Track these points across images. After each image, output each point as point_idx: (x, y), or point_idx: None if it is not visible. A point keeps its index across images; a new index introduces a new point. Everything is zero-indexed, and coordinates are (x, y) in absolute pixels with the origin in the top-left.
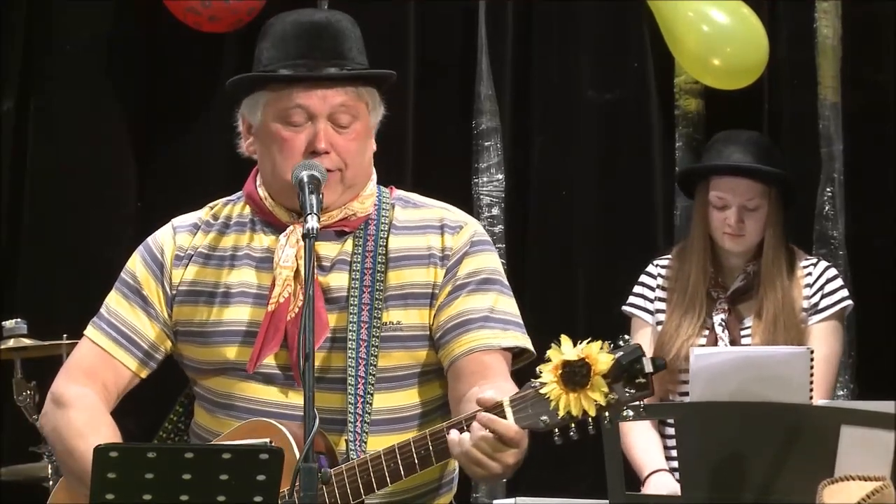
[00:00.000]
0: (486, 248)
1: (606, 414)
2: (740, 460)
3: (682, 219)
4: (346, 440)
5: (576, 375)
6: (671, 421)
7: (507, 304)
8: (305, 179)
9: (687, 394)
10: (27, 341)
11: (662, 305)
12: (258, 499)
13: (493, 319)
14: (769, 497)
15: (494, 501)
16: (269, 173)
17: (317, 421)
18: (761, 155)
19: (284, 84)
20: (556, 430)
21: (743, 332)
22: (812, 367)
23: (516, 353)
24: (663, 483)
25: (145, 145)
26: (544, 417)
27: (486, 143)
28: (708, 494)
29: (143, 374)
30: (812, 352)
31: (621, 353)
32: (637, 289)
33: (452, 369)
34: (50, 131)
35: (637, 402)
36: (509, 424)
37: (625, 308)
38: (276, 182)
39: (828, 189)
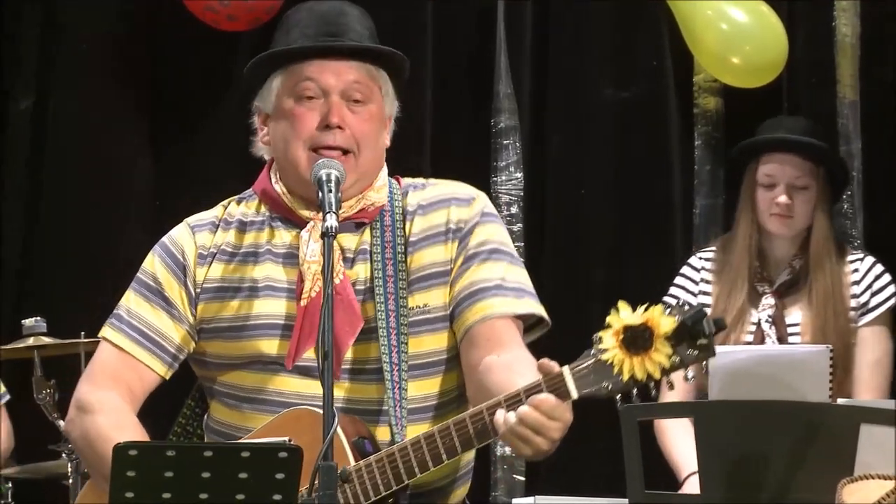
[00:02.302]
0: (496, 220)
1: (669, 377)
2: (759, 459)
3: (702, 217)
4: (389, 426)
5: (638, 339)
6: None
7: (520, 274)
8: (324, 177)
9: (702, 394)
10: (47, 340)
11: (707, 299)
12: (277, 497)
13: (506, 288)
14: (788, 496)
15: (514, 500)
16: (282, 158)
17: (336, 419)
18: (809, 134)
19: (298, 61)
20: (618, 395)
21: (790, 329)
22: (832, 366)
23: (529, 327)
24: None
25: (163, 143)
26: (606, 383)
27: (505, 142)
28: (727, 493)
29: (167, 376)
30: (831, 350)
31: (684, 314)
32: (679, 280)
33: (467, 337)
34: (67, 129)
35: (701, 362)
36: (559, 402)
37: (666, 300)
38: (290, 165)
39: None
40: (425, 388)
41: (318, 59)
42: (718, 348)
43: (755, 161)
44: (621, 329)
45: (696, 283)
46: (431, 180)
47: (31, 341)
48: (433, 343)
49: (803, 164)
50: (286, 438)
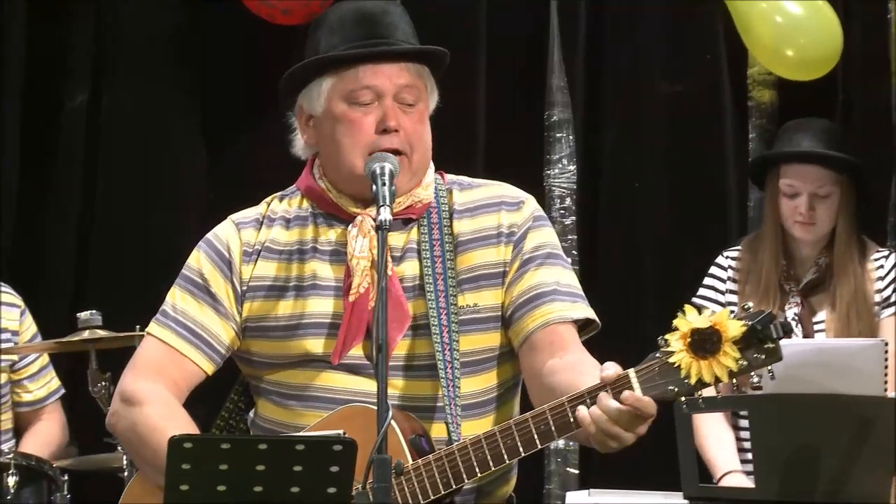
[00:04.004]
0: (546, 223)
1: (735, 381)
2: (814, 453)
3: (756, 210)
4: (445, 423)
5: (706, 343)
6: (744, 414)
7: (571, 278)
8: (378, 171)
9: (760, 387)
10: (102, 333)
11: (734, 298)
12: (332, 490)
13: (561, 292)
14: (843, 491)
15: (567, 493)
16: (334, 160)
17: (389, 413)
18: (831, 142)
19: (350, 66)
20: (684, 398)
21: (816, 327)
22: (886, 360)
23: (580, 326)
24: (737, 485)
25: (216, 138)
26: (672, 386)
27: (558, 135)
28: (781, 487)
29: (211, 371)
30: (886, 344)
31: (753, 318)
32: (707, 280)
33: (528, 343)
34: (121, 125)
35: (766, 367)
36: (650, 401)
37: (695, 300)
38: (344, 168)
39: None
40: (477, 385)
41: (370, 64)
42: None
43: (776, 168)
44: (689, 332)
45: (723, 281)
46: (476, 180)
47: (86, 334)
48: (484, 341)
49: (824, 173)
50: (341, 431)
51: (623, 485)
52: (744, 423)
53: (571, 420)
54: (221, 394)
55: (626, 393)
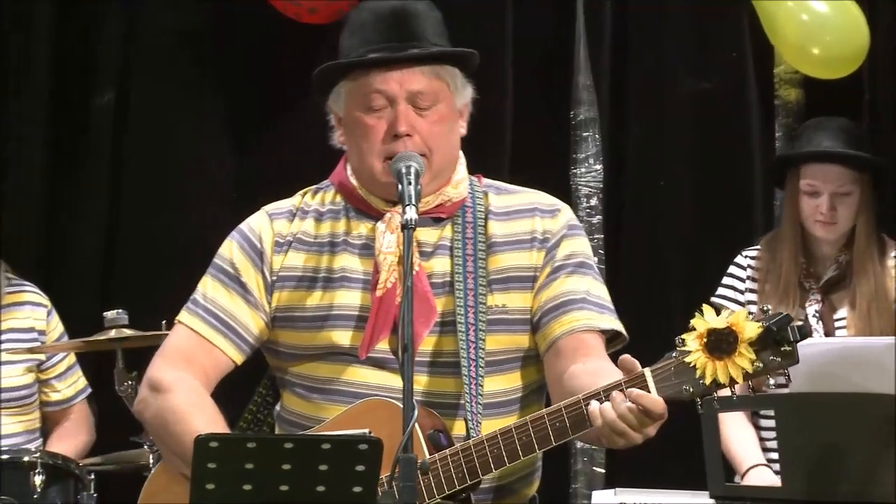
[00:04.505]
0: (580, 232)
1: (750, 382)
2: (840, 452)
3: (782, 209)
4: (465, 421)
5: (722, 343)
6: (765, 413)
7: (601, 289)
8: (404, 170)
9: (782, 385)
10: (128, 331)
11: (753, 297)
12: (357, 489)
13: (590, 302)
14: (869, 489)
15: (593, 492)
16: (356, 162)
17: (415, 412)
18: (851, 141)
19: (363, 71)
20: (699, 399)
21: (837, 324)
22: None
23: (608, 339)
24: (763, 478)
25: (242, 136)
26: (687, 386)
27: (584, 134)
28: (808, 486)
29: (240, 361)
30: None
31: (770, 320)
32: (726, 280)
33: (553, 349)
34: (148, 123)
35: (783, 369)
36: (658, 399)
37: (714, 300)
38: (364, 171)
39: None
40: (500, 384)
41: (381, 69)
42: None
43: (796, 168)
44: (706, 332)
45: (742, 280)
46: (513, 186)
47: (112, 333)
48: (510, 342)
49: (845, 172)
50: (366, 430)
51: (649, 484)
52: (764, 422)
53: (586, 417)
54: (251, 388)
55: (635, 391)
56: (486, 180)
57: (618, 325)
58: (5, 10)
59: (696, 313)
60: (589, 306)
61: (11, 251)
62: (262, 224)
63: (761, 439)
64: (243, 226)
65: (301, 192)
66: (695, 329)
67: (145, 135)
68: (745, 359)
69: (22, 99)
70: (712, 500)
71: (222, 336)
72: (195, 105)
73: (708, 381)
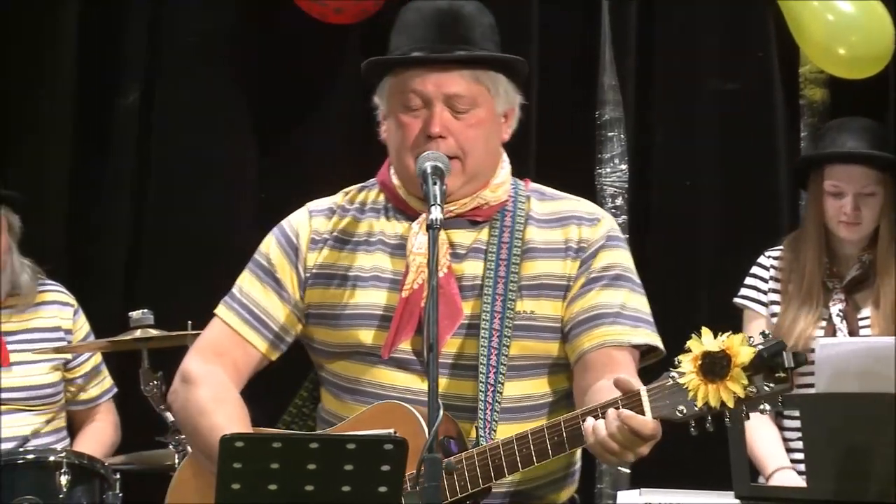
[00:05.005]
0: (621, 244)
1: (745, 407)
2: (866, 452)
3: (806, 209)
4: (476, 427)
5: (716, 366)
6: (788, 414)
7: (639, 302)
8: (429, 170)
9: (805, 385)
10: (154, 332)
11: (776, 297)
12: (383, 489)
13: (625, 316)
14: None
15: (619, 492)
16: (394, 160)
17: (440, 412)
18: (876, 141)
19: (404, 69)
20: (692, 421)
21: (861, 323)
22: None
23: (644, 352)
24: (788, 481)
25: (268, 135)
26: (681, 408)
27: (610, 134)
28: (834, 486)
29: (273, 356)
30: None
31: (763, 345)
32: (749, 280)
33: (581, 362)
34: (173, 122)
35: (776, 397)
36: (646, 421)
37: (736, 300)
38: (400, 168)
39: None
40: (522, 390)
41: (420, 69)
42: (823, 340)
43: (820, 168)
44: (700, 355)
45: (765, 281)
46: (558, 193)
47: (138, 333)
48: (536, 348)
49: (869, 172)
50: (391, 430)
51: (674, 484)
52: (787, 423)
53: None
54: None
55: (625, 412)
56: (532, 185)
57: (652, 340)
58: (32, 13)
59: (693, 335)
60: (623, 320)
61: (37, 251)
62: (301, 221)
63: (785, 440)
64: (284, 222)
65: (346, 189)
66: (690, 351)
67: (170, 135)
68: (737, 383)
69: (48, 99)
70: (738, 501)
71: (254, 330)
72: (220, 105)
73: (699, 403)
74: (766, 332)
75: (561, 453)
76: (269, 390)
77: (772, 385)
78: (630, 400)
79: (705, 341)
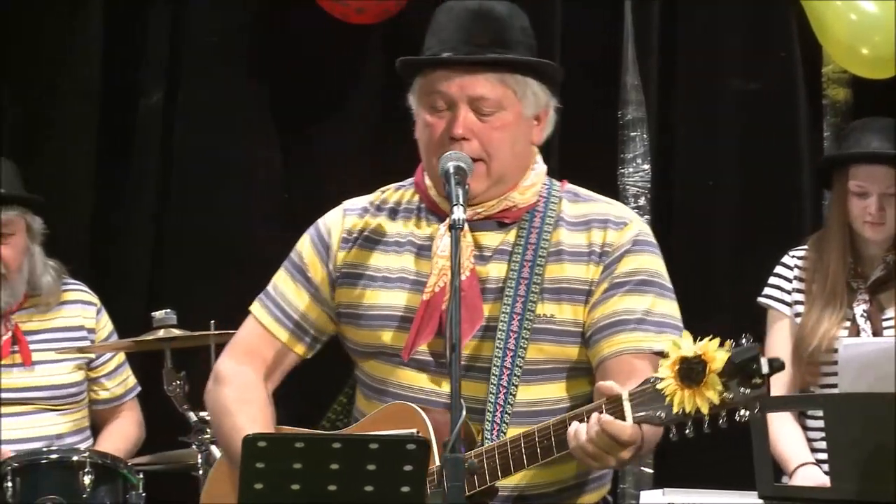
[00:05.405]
0: (649, 248)
1: (723, 413)
2: (891, 451)
3: (830, 209)
4: (483, 429)
5: (692, 372)
6: (812, 414)
7: (666, 307)
8: (451, 170)
9: (829, 385)
10: (177, 332)
11: (800, 297)
12: (405, 489)
13: (649, 322)
14: None
15: (642, 492)
16: (424, 160)
17: (464, 413)
18: None
19: (432, 70)
20: (672, 426)
21: (885, 324)
22: None
23: None
24: (812, 476)
25: (290, 136)
26: (661, 413)
27: (632, 133)
28: (858, 486)
29: (305, 354)
30: None
31: (737, 351)
32: (773, 280)
33: (601, 369)
34: (196, 122)
35: (753, 403)
36: (625, 426)
37: (760, 300)
38: (429, 168)
39: None
40: (537, 394)
41: (446, 71)
42: (847, 340)
43: (844, 168)
44: (677, 360)
45: (789, 281)
46: (592, 195)
47: (161, 333)
48: (555, 352)
49: (894, 172)
50: (414, 430)
51: (697, 484)
52: (811, 423)
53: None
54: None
55: (604, 417)
56: (569, 186)
57: None
58: (54, 15)
59: (672, 341)
60: (645, 326)
61: (60, 251)
62: (335, 219)
63: (808, 440)
64: (320, 220)
65: (382, 188)
66: (668, 356)
67: (193, 135)
68: (711, 389)
69: (71, 99)
70: (761, 501)
71: (285, 329)
72: (243, 105)
73: (675, 408)
74: (747, 335)
75: (549, 457)
76: (309, 389)
77: (748, 391)
78: (612, 404)
79: (683, 346)
